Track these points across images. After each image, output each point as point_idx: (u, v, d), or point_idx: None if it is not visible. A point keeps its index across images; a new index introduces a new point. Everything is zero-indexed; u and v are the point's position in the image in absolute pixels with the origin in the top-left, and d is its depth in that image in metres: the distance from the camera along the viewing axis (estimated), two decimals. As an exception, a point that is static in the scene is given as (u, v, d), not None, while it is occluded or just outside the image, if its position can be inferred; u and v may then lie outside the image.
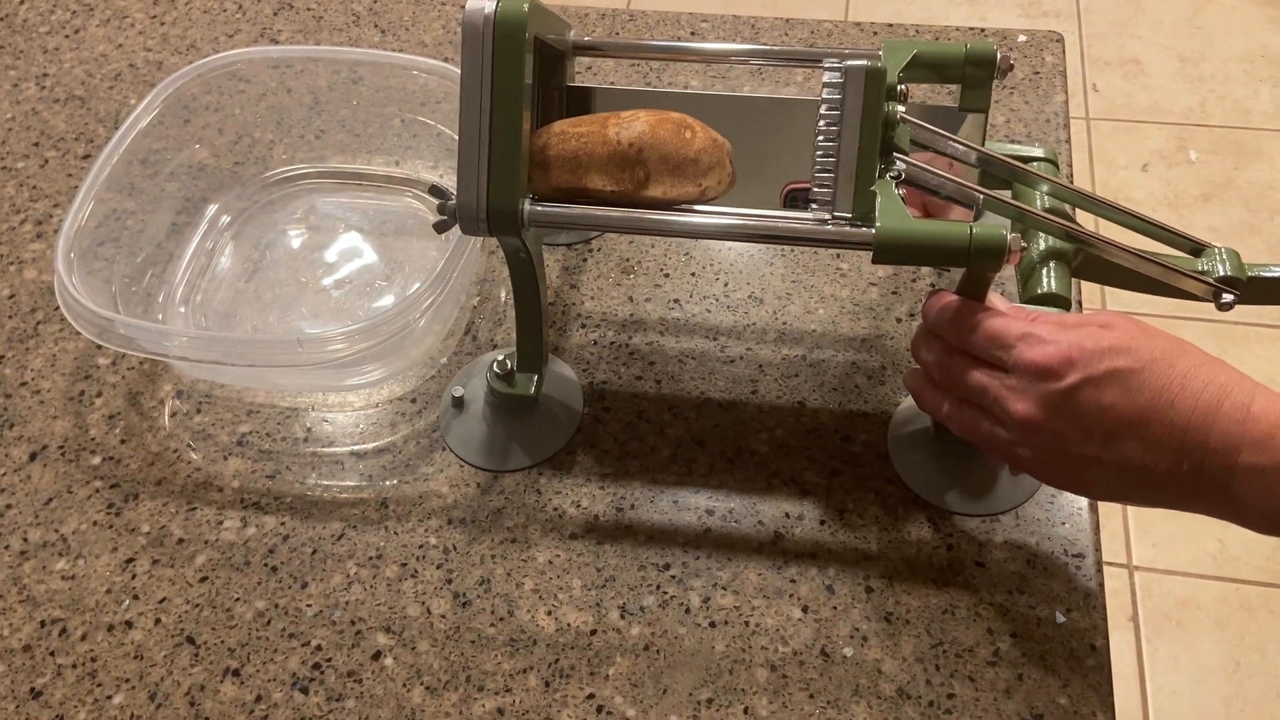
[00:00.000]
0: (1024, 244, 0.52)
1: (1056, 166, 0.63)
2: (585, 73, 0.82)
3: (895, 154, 0.55)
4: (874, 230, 0.52)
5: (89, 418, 0.67)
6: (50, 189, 0.79)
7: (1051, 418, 0.49)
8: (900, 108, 0.55)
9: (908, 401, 0.64)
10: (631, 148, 0.56)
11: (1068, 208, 0.61)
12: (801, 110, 0.60)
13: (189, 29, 0.89)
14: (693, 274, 0.71)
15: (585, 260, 0.73)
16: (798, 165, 0.59)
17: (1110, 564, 1.46)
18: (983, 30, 0.83)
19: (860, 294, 0.69)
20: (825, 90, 0.54)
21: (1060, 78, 0.80)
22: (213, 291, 0.73)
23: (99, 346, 0.70)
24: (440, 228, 0.56)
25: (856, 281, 0.70)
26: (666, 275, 0.71)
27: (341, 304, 0.72)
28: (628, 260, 0.72)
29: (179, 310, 0.72)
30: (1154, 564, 1.48)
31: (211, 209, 0.77)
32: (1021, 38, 0.82)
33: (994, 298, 0.55)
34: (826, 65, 0.55)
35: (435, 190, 0.55)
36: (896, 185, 0.54)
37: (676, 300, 0.70)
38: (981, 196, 0.56)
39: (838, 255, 0.72)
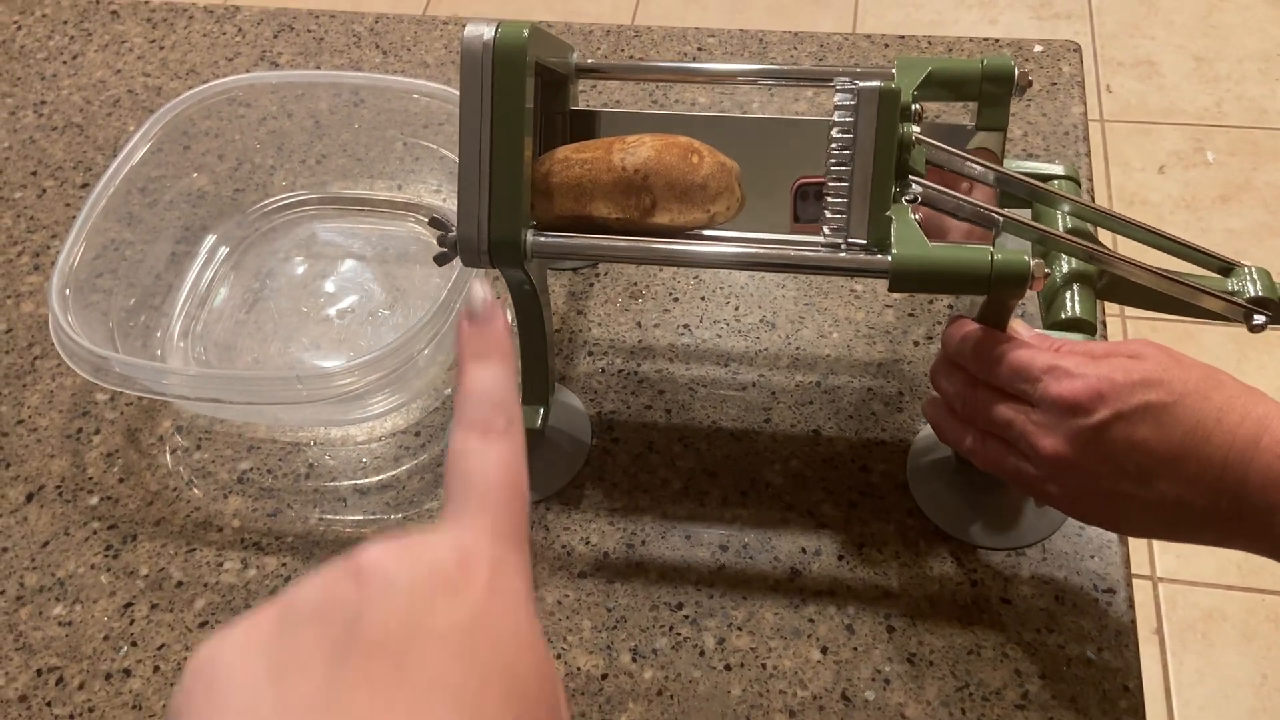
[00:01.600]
0: (1047, 270, 0.50)
1: (1078, 184, 0.61)
2: (591, 91, 0.80)
3: (911, 177, 0.53)
4: (890, 258, 0.50)
5: (87, 456, 0.65)
6: (48, 219, 0.78)
7: (1081, 454, 0.47)
8: (915, 128, 0.53)
9: (927, 429, 0.62)
10: (637, 174, 0.54)
11: (1090, 227, 0.59)
12: (813, 130, 0.58)
13: (188, 53, 0.88)
14: (702, 298, 0.69)
15: (592, 285, 0.71)
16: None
17: (1135, 576, 1.43)
18: (997, 41, 0.81)
19: (876, 317, 0.67)
20: (837, 112, 0.52)
21: (1078, 88, 0.77)
22: (213, 323, 0.71)
23: (96, 383, 0.68)
24: (441, 260, 0.55)
25: (871, 304, 0.68)
26: (675, 300, 0.69)
27: (343, 334, 0.70)
28: (635, 285, 0.70)
29: (178, 344, 0.70)
30: (1178, 575, 1.45)
31: (211, 238, 0.75)
32: (1038, 48, 0.80)
33: (1017, 325, 0.52)
34: (838, 86, 0.53)
35: (435, 222, 0.54)
36: (912, 209, 0.52)
37: (686, 326, 0.68)
38: (1001, 219, 0.54)
39: (851, 277, 0.69)
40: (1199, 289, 0.54)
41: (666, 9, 2.21)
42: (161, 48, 0.88)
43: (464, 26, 0.53)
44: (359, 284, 0.73)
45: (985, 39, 0.81)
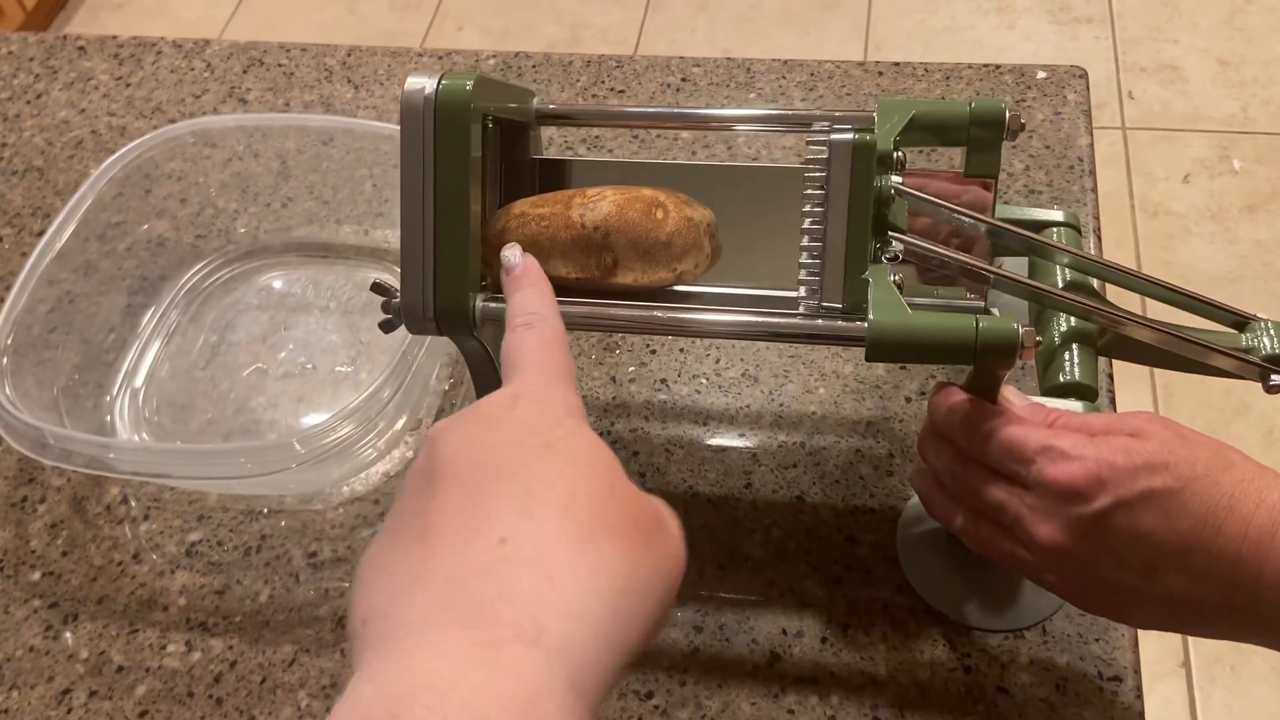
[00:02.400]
0: (1039, 338, 0.45)
1: (1079, 231, 0.56)
2: (568, 128, 0.76)
3: (891, 233, 0.49)
4: (866, 324, 0.46)
5: (30, 527, 0.62)
6: (3, 270, 0.75)
7: (1080, 544, 0.43)
8: (896, 179, 0.49)
9: (917, 497, 0.57)
10: (597, 231, 0.50)
11: (1091, 279, 0.54)
12: (792, 179, 0.54)
13: (155, 90, 0.85)
14: (681, 349, 0.65)
15: (565, 337, 0.67)
16: (787, 237, 0.53)
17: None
18: (998, 68, 0.76)
19: (865, 370, 0.63)
20: (809, 165, 0.48)
21: (1084, 118, 0.73)
22: (167, 380, 0.68)
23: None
24: (386, 328, 0.51)
25: (860, 356, 0.63)
26: (653, 352, 0.65)
27: (303, 392, 0.66)
28: (610, 336, 0.66)
29: (129, 404, 0.67)
30: (1206, 606, 1.40)
31: (169, 288, 0.72)
32: (1041, 74, 0.76)
33: (1009, 392, 0.48)
34: (810, 135, 0.48)
35: (378, 288, 0.50)
36: (893, 269, 0.47)
37: (663, 380, 0.64)
38: (993, 277, 0.50)
39: (826, 345, 0.65)
40: (1209, 346, 0.50)
41: (675, 18, 2.16)
42: (128, 84, 0.85)
43: (440, 57, 0.49)
44: (321, 337, 0.69)
45: (986, 65, 0.77)
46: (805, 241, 0.48)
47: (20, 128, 0.83)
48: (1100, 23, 2.13)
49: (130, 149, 0.69)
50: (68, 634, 0.58)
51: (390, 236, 0.73)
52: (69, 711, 0.55)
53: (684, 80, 0.79)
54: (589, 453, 0.36)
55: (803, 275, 0.49)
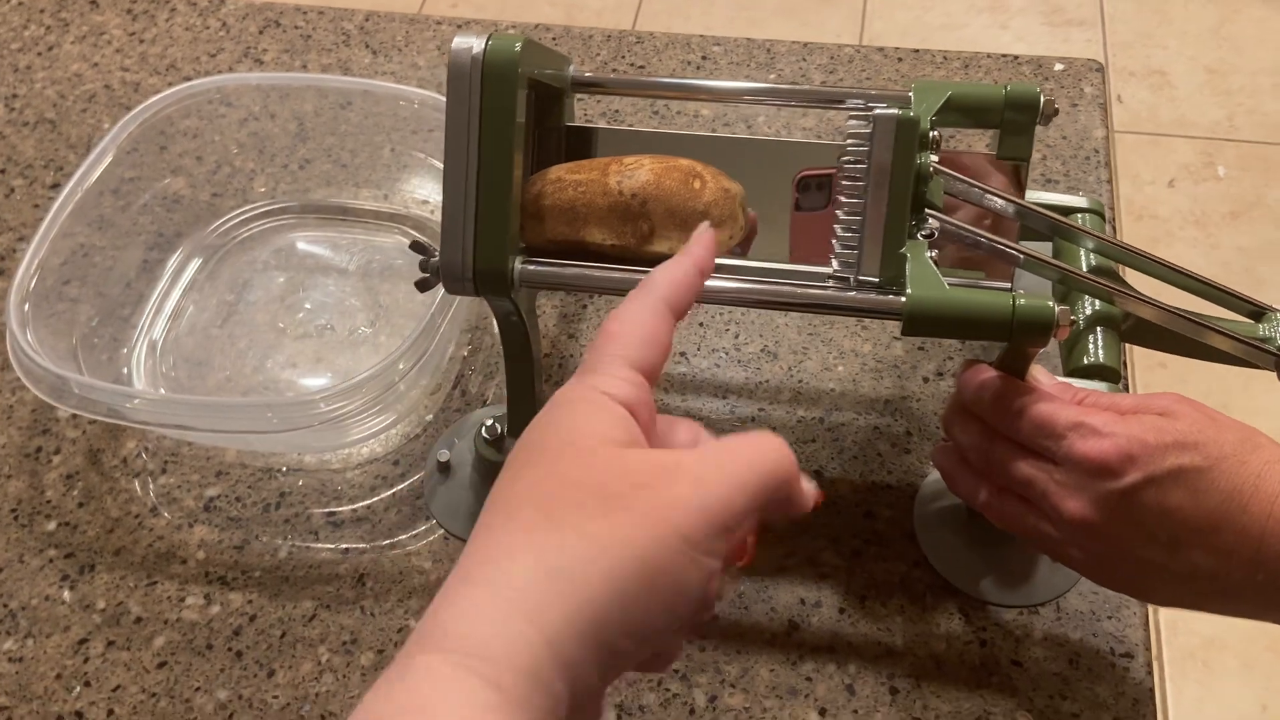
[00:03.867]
0: (1073, 317, 0.46)
1: (1102, 218, 0.57)
2: (588, 100, 0.77)
3: (928, 210, 0.49)
4: (903, 299, 0.47)
5: (46, 477, 0.62)
6: (15, 221, 0.74)
7: (1108, 520, 0.44)
8: (933, 158, 0.49)
9: (935, 474, 0.58)
10: (634, 199, 0.51)
11: (1114, 265, 0.55)
12: (823, 154, 0.54)
13: (169, 47, 0.84)
14: (701, 324, 0.66)
15: (585, 307, 0.67)
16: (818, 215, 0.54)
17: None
18: (1016, 58, 0.77)
19: (883, 350, 0.64)
20: (850, 140, 0.49)
21: (1100, 110, 0.74)
22: (184, 336, 0.68)
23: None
24: (423, 286, 0.51)
25: (879, 336, 0.64)
26: (673, 326, 0.66)
27: (321, 353, 0.66)
28: (631, 308, 0.67)
29: (147, 359, 0.66)
30: (1180, 602, 1.42)
31: (186, 245, 0.72)
32: (1059, 66, 0.77)
33: (1038, 372, 0.49)
34: (851, 112, 0.49)
35: (417, 246, 0.50)
36: (930, 246, 0.48)
37: (683, 354, 0.64)
38: (1023, 257, 0.50)
39: (861, 318, 0.66)
40: (1228, 335, 0.51)
41: (671, 4, 2.16)
42: (141, 41, 0.85)
43: (459, 27, 0.49)
44: (339, 299, 0.69)
45: (1005, 55, 0.77)
46: (842, 215, 0.49)
47: (31, 80, 0.82)
48: (1091, 26, 2.15)
49: (152, 104, 0.69)
50: (84, 584, 0.58)
51: (410, 202, 0.73)
52: (85, 661, 0.55)
53: (704, 58, 0.80)
54: (551, 441, 0.35)
55: (837, 249, 0.49)
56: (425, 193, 0.73)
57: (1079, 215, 0.57)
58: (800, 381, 0.63)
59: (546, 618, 0.31)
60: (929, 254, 0.48)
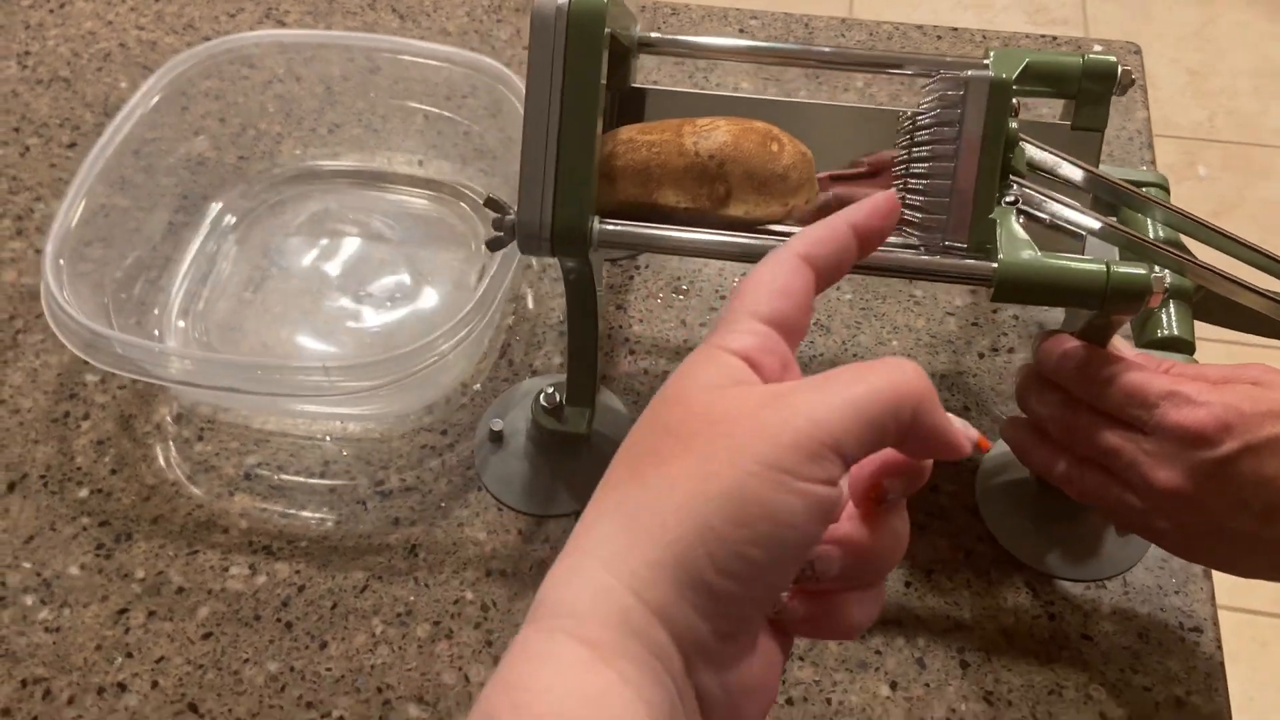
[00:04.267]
0: (1167, 285, 0.46)
1: (1167, 192, 0.57)
2: (626, 70, 0.75)
3: (1012, 177, 0.49)
4: (994, 265, 0.46)
5: (75, 443, 0.59)
6: (31, 180, 0.71)
7: (1201, 489, 0.43)
8: (1015, 125, 0.49)
9: (997, 448, 0.58)
10: (712, 160, 0.50)
11: (1180, 239, 0.55)
12: (885, 121, 0.53)
13: (186, 6, 0.81)
14: (751, 297, 0.65)
15: (632, 278, 0.66)
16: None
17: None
18: (1055, 39, 0.77)
19: (937, 325, 0.63)
20: (938, 104, 0.48)
21: (1141, 92, 0.74)
22: (215, 301, 0.65)
23: (86, 362, 0.62)
24: (495, 245, 0.50)
25: (932, 311, 0.64)
26: (722, 297, 0.65)
27: (359, 321, 0.64)
28: (678, 280, 0.65)
29: (177, 323, 0.64)
30: (1168, 593, 1.44)
31: (214, 208, 0.69)
32: (1097, 48, 0.77)
33: (1119, 343, 0.49)
34: (940, 74, 0.48)
35: (492, 203, 0.49)
36: (1017, 214, 0.48)
37: (734, 326, 0.63)
38: (1100, 224, 0.50)
39: (910, 281, 0.65)
40: (1302, 311, 0.51)
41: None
42: None
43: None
44: (376, 266, 0.67)
45: (1043, 35, 0.77)
46: (928, 180, 0.48)
47: (44, 36, 0.79)
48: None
49: (173, 64, 0.66)
50: (121, 554, 0.55)
51: (447, 169, 0.71)
52: (126, 632, 0.53)
53: (741, 32, 0.79)
54: (652, 404, 0.34)
55: (920, 215, 0.49)
56: (460, 160, 0.72)
57: (1145, 189, 0.57)
58: (855, 356, 0.62)
59: (628, 565, 0.30)
60: (1018, 219, 0.47)
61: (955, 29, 0.78)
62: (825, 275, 0.37)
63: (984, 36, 0.77)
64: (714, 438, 0.31)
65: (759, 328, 0.35)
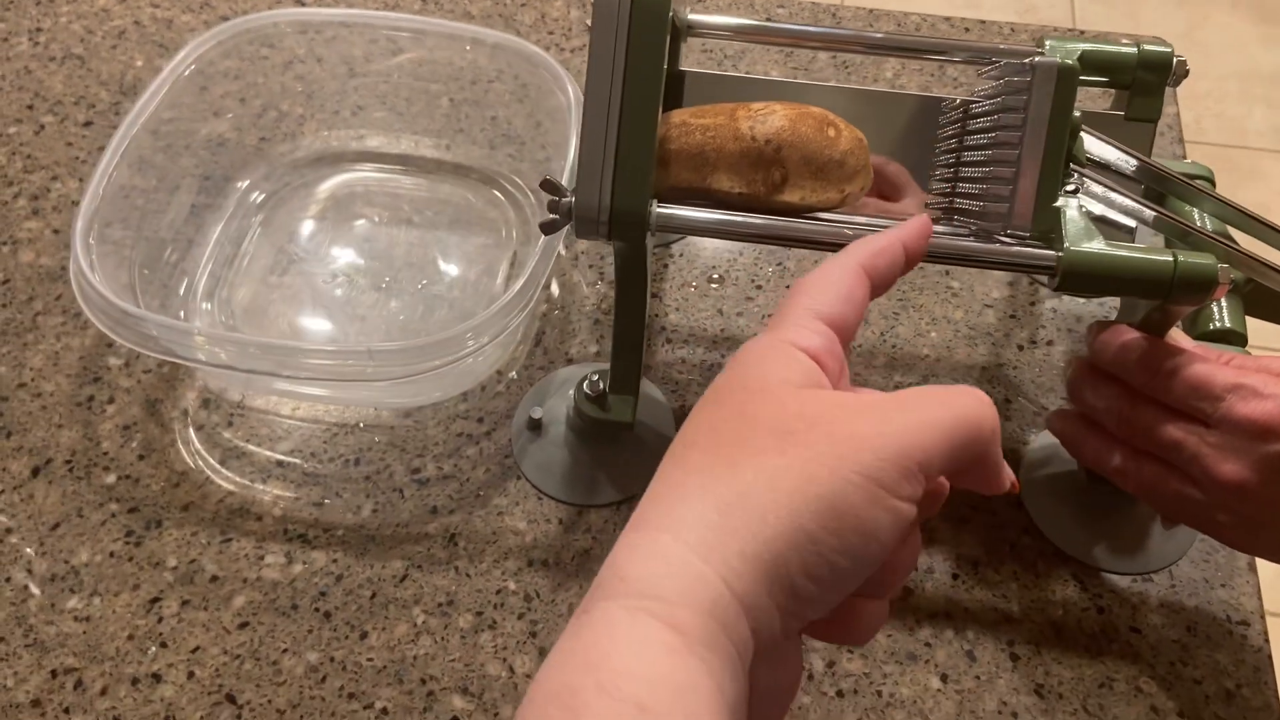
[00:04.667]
0: (1233, 276, 0.46)
1: (1213, 184, 0.57)
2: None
3: (1073, 165, 0.48)
4: (1060, 254, 0.46)
5: (100, 428, 0.58)
6: (47, 159, 0.69)
7: (1266, 482, 0.43)
8: (1078, 114, 0.48)
9: (1040, 440, 0.57)
10: (769, 145, 0.49)
11: (1228, 231, 0.55)
12: (932, 107, 0.53)
13: (201, -15, 0.80)
14: (788, 286, 0.64)
15: (667, 266, 0.65)
16: (922, 168, 0.53)
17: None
18: (1083, 32, 0.77)
19: (975, 317, 0.63)
20: (1001, 90, 0.47)
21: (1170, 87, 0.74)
22: (239, 285, 0.64)
23: (109, 345, 0.61)
24: (549, 228, 0.49)
25: (970, 303, 0.63)
26: (759, 287, 0.64)
27: (386, 307, 0.63)
28: (714, 269, 0.65)
29: (202, 305, 0.63)
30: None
31: (237, 190, 0.68)
32: (1124, 40, 0.76)
33: (1178, 335, 0.48)
34: (1004, 61, 0.48)
35: (549, 185, 0.48)
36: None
37: (771, 316, 0.63)
38: (1155, 215, 0.50)
39: (947, 272, 0.65)
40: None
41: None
42: (172, -22, 0.80)
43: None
44: (404, 251, 0.66)
45: (1070, 29, 0.77)
46: (990, 168, 0.48)
47: (55, 13, 0.77)
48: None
49: (198, 43, 0.65)
50: (151, 541, 0.54)
51: (475, 153, 0.70)
52: (160, 621, 0.51)
53: (768, 19, 0.78)
54: (728, 388, 0.35)
55: (982, 204, 0.48)
56: (487, 145, 0.70)
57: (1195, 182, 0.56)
58: (893, 347, 0.62)
59: (721, 555, 0.29)
60: (1080, 209, 0.47)
61: (983, 21, 0.77)
62: (878, 287, 0.38)
63: (1012, 29, 0.77)
64: (813, 440, 0.31)
65: (823, 329, 0.36)
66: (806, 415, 0.32)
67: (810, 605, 0.31)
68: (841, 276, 0.37)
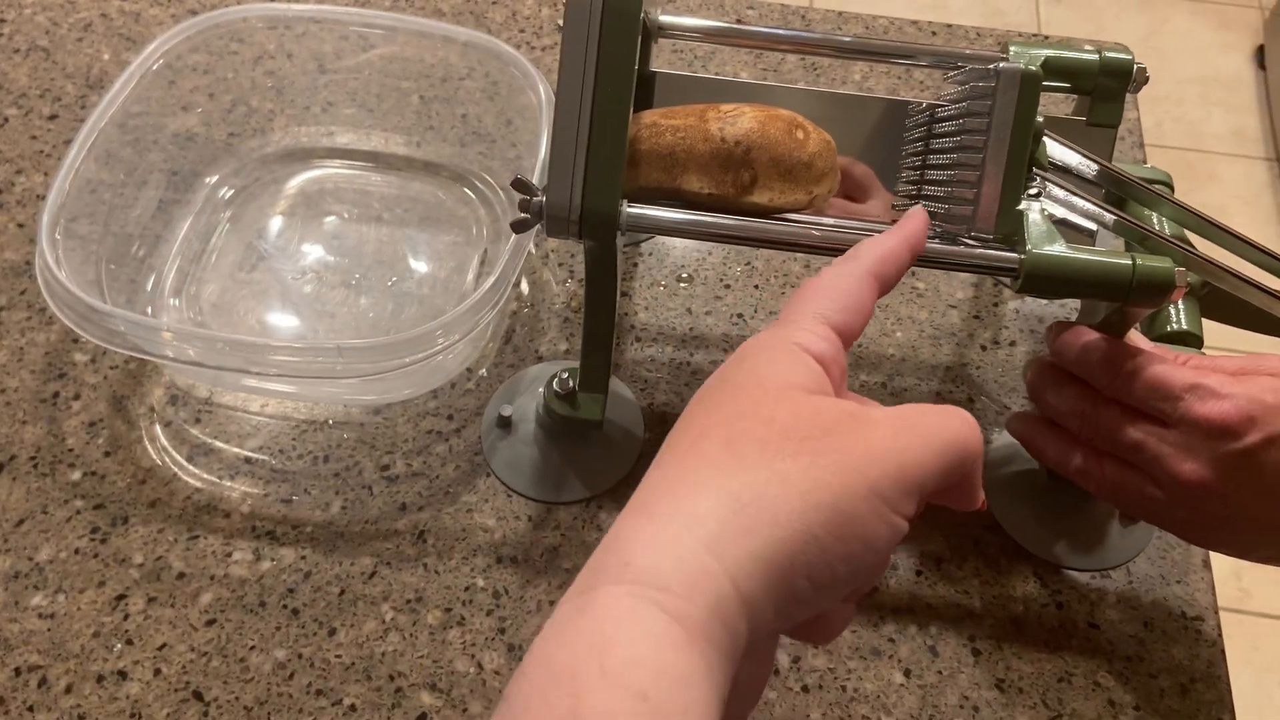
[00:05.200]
0: (1190, 279, 0.47)
1: (1171, 189, 0.58)
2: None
3: (1035, 169, 0.49)
4: (1021, 256, 0.47)
5: (65, 424, 0.57)
6: (11, 153, 0.69)
7: (1225, 480, 0.44)
8: (1041, 119, 0.49)
9: (1003, 439, 0.58)
10: (738, 146, 0.49)
11: (1185, 234, 0.56)
12: (899, 111, 0.54)
13: (169, -22, 0.79)
14: (756, 286, 0.65)
15: (637, 265, 0.65)
16: (889, 171, 0.54)
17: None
18: (1046, 37, 0.78)
19: (940, 317, 0.64)
20: (967, 95, 0.48)
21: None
22: (207, 281, 0.64)
23: (75, 340, 0.60)
24: (519, 227, 0.49)
25: (935, 303, 0.64)
26: (727, 287, 0.65)
27: (355, 304, 0.63)
28: (683, 268, 0.65)
29: (170, 302, 0.62)
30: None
31: (205, 185, 0.68)
32: (1087, 46, 0.78)
33: (1136, 336, 0.49)
34: (970, 66, 0.49)
35: (520, 184, 0.48)
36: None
37: (740, 315, 0.63)
38: (1115, 219, 0.51)
39: (913, 273, 0.66)
40: (1303, 309, 0.52)
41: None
42: (138, -29, 0.79)
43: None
44: (374, 249, 0.66)
45: (1035, 35, 0.78)
46: (955, 171, 0.49)
47: (19, 4, 0.76)
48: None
49: (168, 37, 0.64)
50: (117, 538, 0.54)
51: (445, 151, 0.70)
52: (125, 618, 0.51)
53: (738, 21, 0.79)
54: (740, 382, 0.35)
55: (947, 206, 0.49)
56: (458, 142, 0.70)
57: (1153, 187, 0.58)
58: (859, 346, 0.62)
59: (731, 552, 0.30)
60: (1042, 212, 0.48)
61: (950, 25, 0.78)
62: (883, 291, 0.39)
63: (978, 34, 0.78)
64: (826, 449, 0.32)
65: (832, 335, 0.36)
66: (821, 423, 0.33)
67: (804, 607, 0.31)
68: (851, 285, 0.38)
